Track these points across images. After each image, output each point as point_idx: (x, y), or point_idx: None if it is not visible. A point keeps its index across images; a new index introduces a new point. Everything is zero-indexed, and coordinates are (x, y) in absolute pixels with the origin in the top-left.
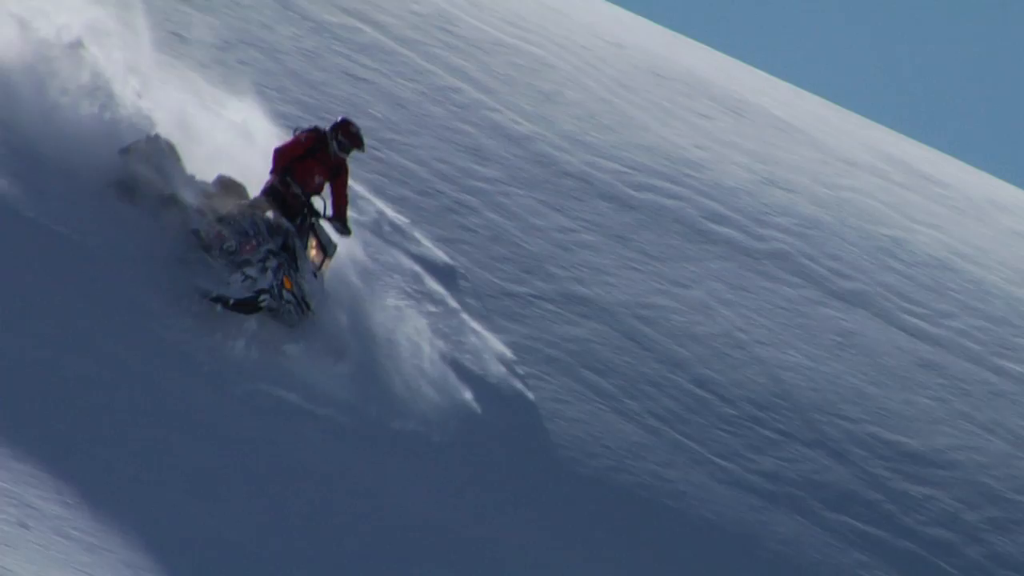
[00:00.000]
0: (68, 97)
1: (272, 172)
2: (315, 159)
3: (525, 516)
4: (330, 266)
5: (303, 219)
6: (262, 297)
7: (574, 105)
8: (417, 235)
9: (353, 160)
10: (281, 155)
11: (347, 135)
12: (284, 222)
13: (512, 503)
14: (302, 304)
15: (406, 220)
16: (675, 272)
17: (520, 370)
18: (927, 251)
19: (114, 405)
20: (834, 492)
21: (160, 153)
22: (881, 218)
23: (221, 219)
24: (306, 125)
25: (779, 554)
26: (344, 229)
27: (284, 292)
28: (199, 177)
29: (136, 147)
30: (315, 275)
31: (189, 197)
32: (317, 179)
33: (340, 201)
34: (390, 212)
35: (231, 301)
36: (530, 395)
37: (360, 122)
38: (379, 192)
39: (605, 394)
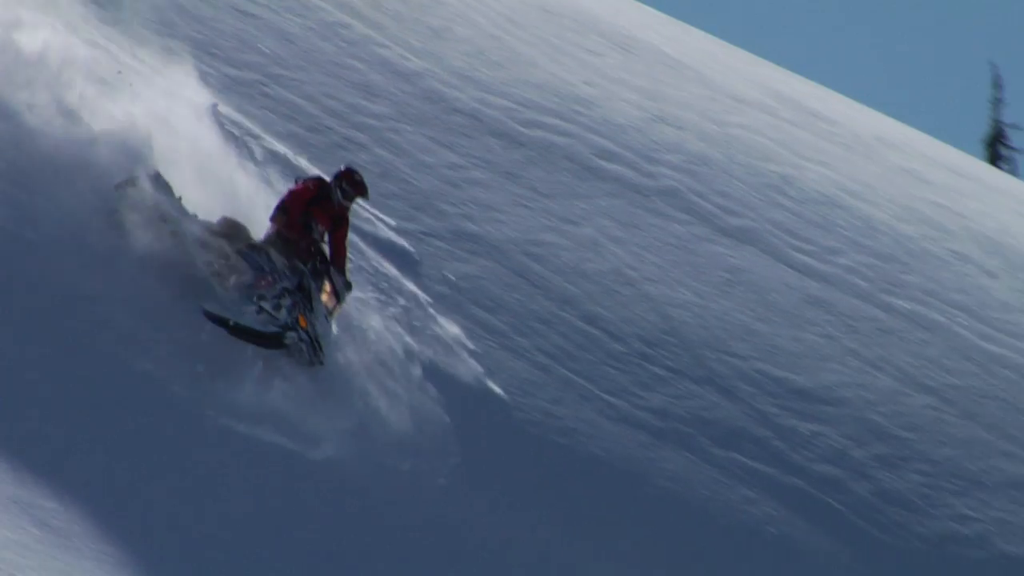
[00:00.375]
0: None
1: (272, 220)
2: (319, 207)
3: (413, 448)
4: (339, 312)
5: (315, 264)
6: (288, 334)
7: (463, 41)
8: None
9: (245, 98)
10: (295, 202)
11: (352, 184)
12: (299, 263)
13: (397, 443)
14: (315, 345)
15: (293, 155)
16: (565, 209)
17: (410, 307)
18: (815, 188)
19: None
20: (722, 429)
21: (160, 189)
22: (770, 155)
23: (238, 251)
24: (310, 174)
25: (667, 491)
26: (345, 282)
27: (300, 331)
28: (201, 216)
29: (133, 183)
30: (327, 319)
31: (192, 232)
32: (319, 228)
33: (340, 252)
34: (280, 148)
35: (232, 322)
36: (418, 332)
37: (248, 57)
38: (268, 128)
39: (495, 331)
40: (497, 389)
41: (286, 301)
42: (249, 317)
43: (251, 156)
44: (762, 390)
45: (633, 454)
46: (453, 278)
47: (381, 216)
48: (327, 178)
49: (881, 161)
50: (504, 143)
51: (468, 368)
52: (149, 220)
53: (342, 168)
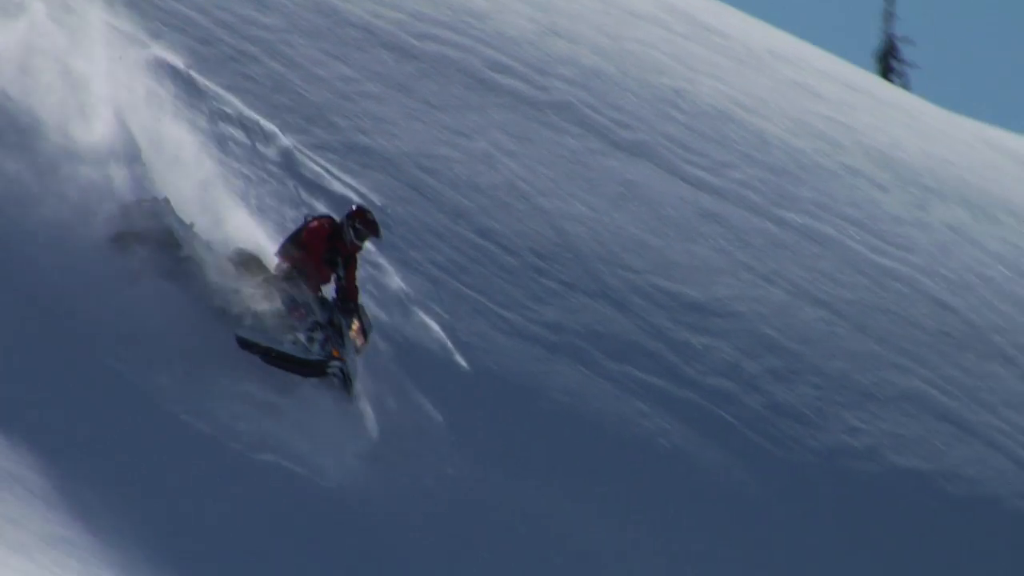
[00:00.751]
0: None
1: (281, 254)
2: (332, 247)
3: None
4: (366, 350)
5: (342, 300)
6: (332, 362)
7: None
8: (199, 84)
9: (135, 10)
10: (316, 239)
11: (365, 224)
12: (327, 299)
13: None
14: (347, 379)
15: (184, 66)
16: (457, 122)
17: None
18: (708, 102)
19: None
20: (616, 343)
21: (169, 214)
22: (663, 69)
23: (266, 280)
24: (318, 212)
25: (561, 404)
26: (364, 319)
27: (335, 362)
28: (214, 245)
29: (142, 207)
30: (355, 355)
31: (207, 259)
32: (338, 256)
33: (353, 290)
34: (171, 59)
35: (274, 352)
36: None
37: None
38: (157, 37)
39: (388, 244)
40: (389, 303)
41: (318, 335)
42: (287, 346)
43: (142, 66)
44: (655, 304)
45: (527, 368)
46: (345, 191)
47: (275, 129)
48: (336, 217)
49: (773, 75)
50: (397, 56)
51: (360, 282)
52: (159, 244)
53: (353, 207)
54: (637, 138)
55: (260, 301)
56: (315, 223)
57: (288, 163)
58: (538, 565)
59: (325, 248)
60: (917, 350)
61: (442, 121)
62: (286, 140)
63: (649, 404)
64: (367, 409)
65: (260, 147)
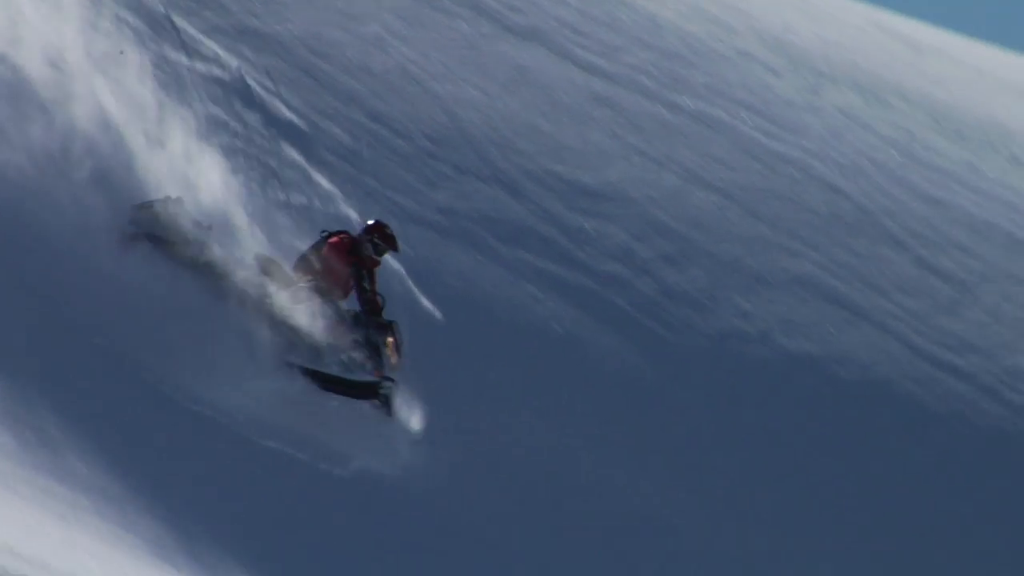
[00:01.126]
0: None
1: (296, 269)
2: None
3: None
4: (401, 367)
5: (374, 317)
6: (385, 384)
7: None
8: None
9: None
10: (338, 254)
11: (383, 238)
12: (362, 316)
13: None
14: (388, 399)
15: None
16: (349, 5)
17: (196, 103)
18: None
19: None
20: (509, 227)
21: (183, 216)
22: None
23: (296, 291)
24: (333, 228)
25: (454, 288)
26: (397, 335)
27: (386, 382)
28: (233, 249)
29: (159, 206)
30: (392, 371)
31: (228, 265)
32: (351, 282)
33: (374, 301)
34: None
35: (333, 377)
36: (196, 124)
37: None
38: None
39: (279, 127)
40: (277, 185)
41: (358, 354)
42: (337, 368)
43: None
44: (548, 188)
45: (419, 252)
46: (237, 75)
47: (159, 8)
48: (351, 232)
49: None
50: None
51: (250, 163)
52: (176, 245)
53: (371, 222)
54: (529, 22)
55: (297, 315)
56: (335, 239)
57: (182, 45)
58: (427, 449)
59: (348, 262)
60: (809, 234)
61: (333, 4)
62: (180, 22)
63: (542, 289)
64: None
65: (153, 35)
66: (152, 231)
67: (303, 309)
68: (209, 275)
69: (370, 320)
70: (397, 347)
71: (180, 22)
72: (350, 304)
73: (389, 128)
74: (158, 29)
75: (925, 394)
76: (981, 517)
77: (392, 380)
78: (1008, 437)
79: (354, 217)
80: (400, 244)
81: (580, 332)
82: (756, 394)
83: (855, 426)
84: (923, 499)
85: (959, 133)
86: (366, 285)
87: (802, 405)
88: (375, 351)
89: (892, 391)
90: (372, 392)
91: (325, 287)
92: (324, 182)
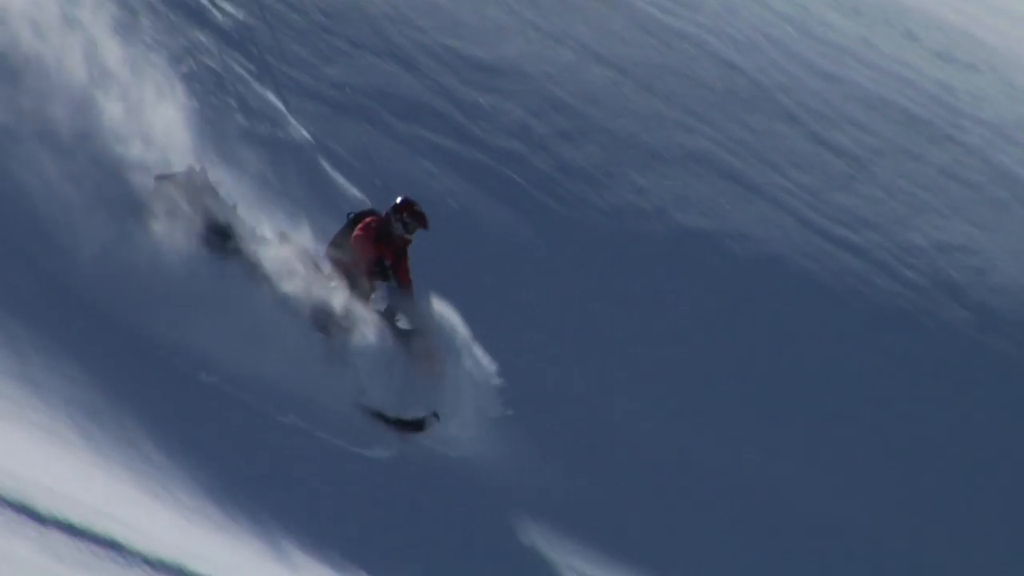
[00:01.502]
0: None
1: (326, 256)
2: (383, 243)
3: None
4: (440, 369)
5: (414, 322)
6: (429, 418)
7: None
8: None
9: None
10: (364, 244)
11: (413, 216)
12: (398, 326)
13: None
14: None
15: None
16: None
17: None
18: None
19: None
20: (404, 102)
21: (206, 189)
22: None
23: (333, 288)
24: (360, 208)
25: (346, 162)
26: (432, 339)
27: (432, 418)
28: (249, 220)
29: (178, 178)
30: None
31: (258, 248)
32: (386, 263)
33: (408, 285)
34: None
35: (400, 419)
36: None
37: None
38: None
39: (174, 3)
40: (163, 59)
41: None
42: (391, 409)
43: None
44: (444, 63)
45: (313, 127)
46: None
47: None
48: (379, 211)
49: None
50: None
51: (138, 36)
52: (197, 221)
53: (399, 200)
54: None
55: (324, 297)
56: (364, 222)
57: None
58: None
59: (373, 253)
60: (704, 110)
61: None
62: None
63: (437, 164)
64: None
65: None
66: (174, 203)
67: (328, 293)
68: (231, 250)
69: (403, 317)
70: (432, 354)
71: None
72: (382, 290)
73: (284, 2)
74: None
75: (819, 269)
76: (874, 390)
77: (437, 416)
78: (901, 312)
79: (252, 104)
80: (429, 221)
81: (476, 207)
82: (650, 268)
83: (748, 301)
84: (813, 371)
85: (854, 9)
86: (391, 277)
87: (696, 279)
88: (403, 340)
89: (786, 266)
90: (420, 427)
91: (355, 275)
92: (219, 59)
